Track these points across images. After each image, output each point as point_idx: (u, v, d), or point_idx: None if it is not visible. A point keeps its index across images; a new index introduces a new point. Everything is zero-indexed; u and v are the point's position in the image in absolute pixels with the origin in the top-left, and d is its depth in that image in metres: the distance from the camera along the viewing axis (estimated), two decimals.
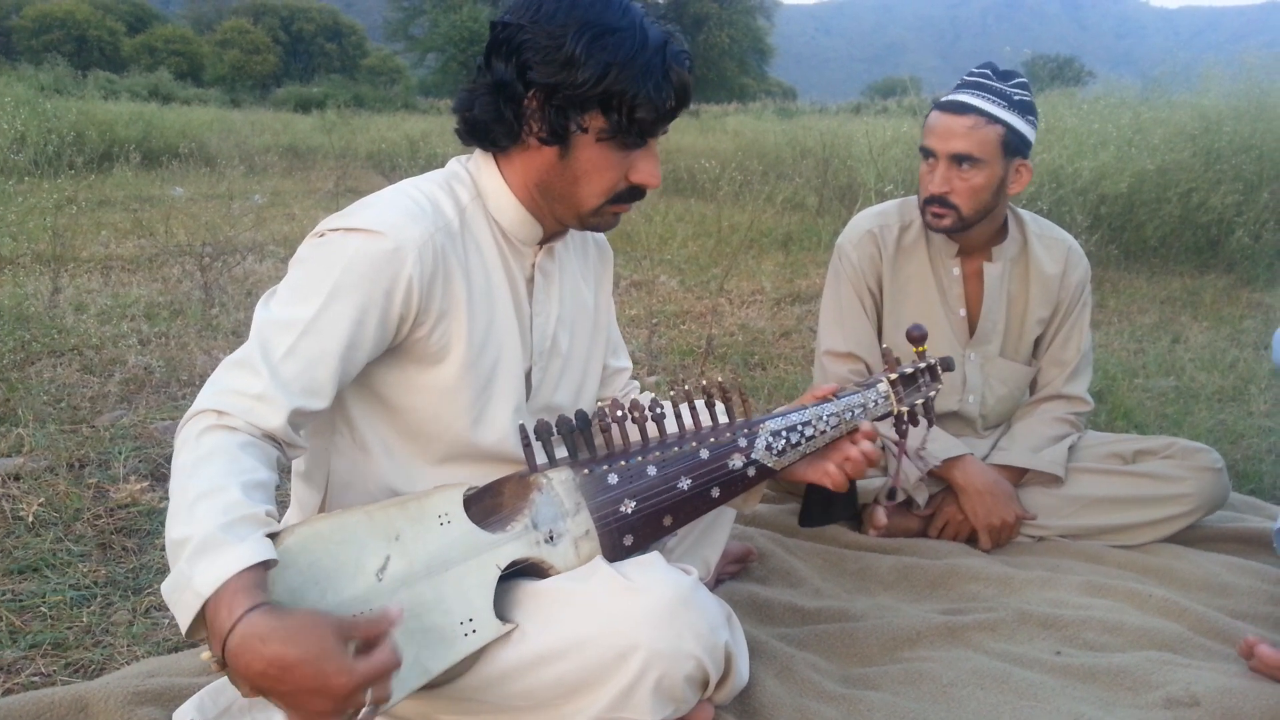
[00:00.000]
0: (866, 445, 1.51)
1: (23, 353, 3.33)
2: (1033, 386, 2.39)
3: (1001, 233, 2.25)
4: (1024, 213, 2.34)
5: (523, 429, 1.36)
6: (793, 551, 2.13)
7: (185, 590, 1.02)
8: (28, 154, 7.91)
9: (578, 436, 1.38)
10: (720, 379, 1.49)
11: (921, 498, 2.24)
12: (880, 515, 2.22)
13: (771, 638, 1.75)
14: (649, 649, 1.22)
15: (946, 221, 2.13)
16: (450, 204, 1.36)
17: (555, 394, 1.51)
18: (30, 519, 2.10)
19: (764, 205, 7.67)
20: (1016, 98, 2.08)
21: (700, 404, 1.49)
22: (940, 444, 2.21)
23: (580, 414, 1.39)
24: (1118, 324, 4.67)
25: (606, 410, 1.40)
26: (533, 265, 1.45)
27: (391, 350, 1.32)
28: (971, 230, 2.17)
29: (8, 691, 1.53)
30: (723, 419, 1.50)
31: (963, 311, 2.29)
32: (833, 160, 7.65)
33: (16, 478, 2.31)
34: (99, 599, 1.84)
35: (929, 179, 2.12)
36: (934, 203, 2.12)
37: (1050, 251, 2.30)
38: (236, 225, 6.22)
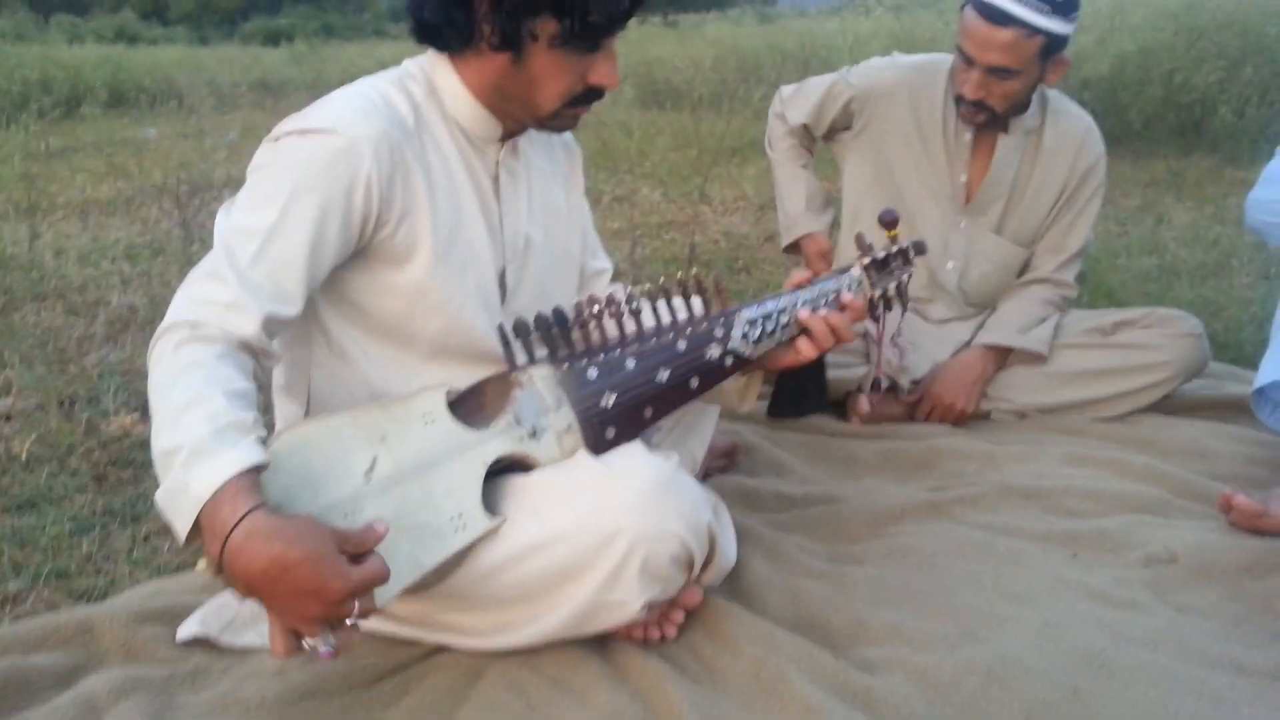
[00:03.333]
0: (832, 315, 1.51)
1: (4, 298, 3.32)
2: (1022, 269, 2.38)
3: (1022, 107, 2.20)
4: (1050, 90, 2.28)
5: (501, 328, 1.38)
6: (778, 444, 2.16)
7: (182, 496, 1.04)
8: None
9: (556, 333, 1.39)
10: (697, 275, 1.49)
11: (905, 381, 2.26)
12: (864, 403, 2.24)
13: (759, 524, 1.78)
14: (633, 531, 1.25)
15: (980, 119, 2.14)
16: (404, 101, 1.35)
17: (534, 295, 1.51)
18: (24, 457, 2.12)
19: (744, 112, 7.56)
20: (1061, 0, 1.99)
21: (678, 298, 1.49)
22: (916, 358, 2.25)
23: (558, 311, 1.40)
24: (1101, 208, 4.64)
25: (583, 306, 1.41)
26: (496, 163, 1.44)
27: (358, 254, 1.33)
28: None
29: (15, 621, 1.56)
30: (699, 311, 1.51)
31: (964, 178, 2.27)
32: (812, 61, 7.52)
33: (8, 418, 2.32)
34: (98, 529, 1.87)
35: (964, 79, 2.09)
36: (968, 104, 2.10)
37: (1064, 131, 2.26)
38: (210, 161, 6.14)
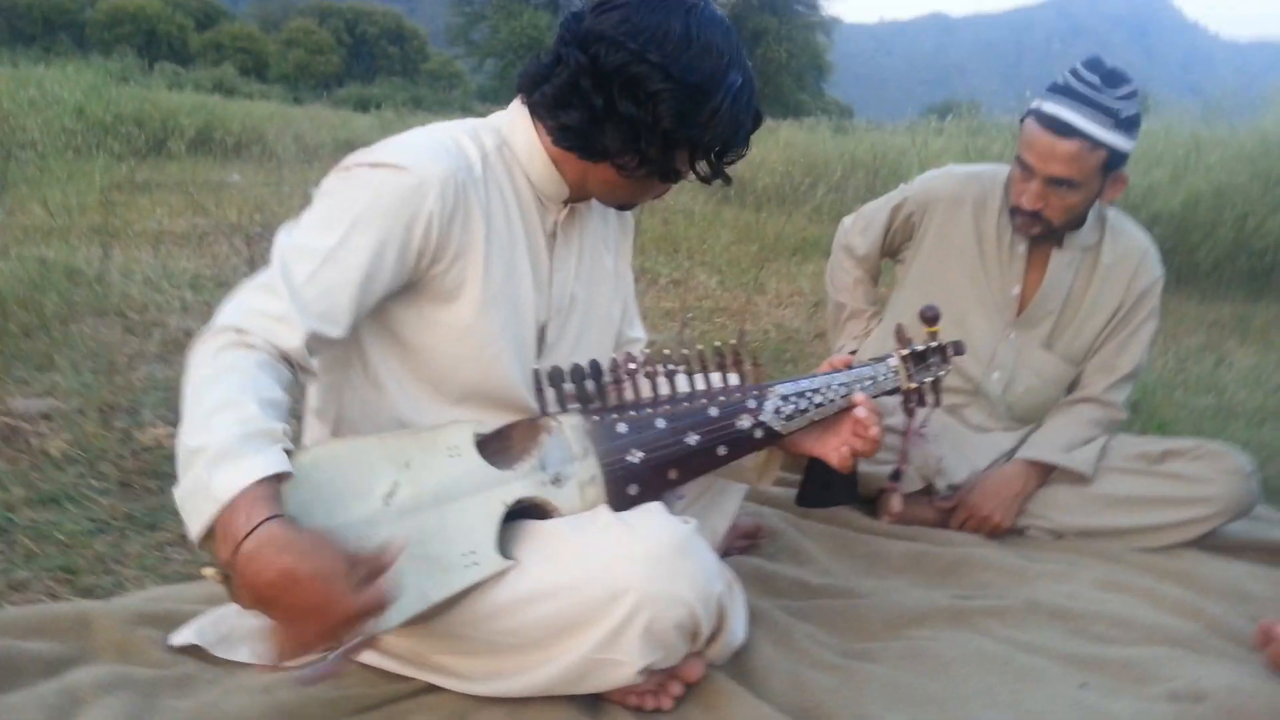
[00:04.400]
0: (862, 412, 1.49)
1: (68, 310, 3.41)
2: (1071, 387, 2.33)
3: (1078, 222, 2.18)
4: (1109, 208, 2.26)
5: (536, 373, 1.38)
6: (804, 532, 2.12)
7: (202, 496, 1.03)
8: (88, 133, 8.10)
9: (590, 385, 1.39)
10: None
11: (941, 484, 2.21)
12: (895, 502, 2.18)
13: (774, 608, 1.74)
14: (641, 591, 1.22)
15: (1035, 231, 2.12)
16: (475, 148, 1.38)
17: (572, 352, 1.51)
18: (56, 455, 2.15)
19: (811, 214, 7.65)
20: (1124, 115, 1.98)
21: (713, 368, 1.49)
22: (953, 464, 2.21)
23: (594, 363, 1.40)
24: (1162, 344, 4.57)
25: (620, 363, 1.42)
26: (555, 222, 1.46)
27: (408, 287, 1.34)
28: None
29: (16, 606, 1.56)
30: (734, 381, 1.50)
31: (1016, 290, 2.24)
32: (881, 169, 7.61)
33: (47, 417, 2.36)
34: (114, 531, 1.88)
35: (1022, 189, 2.07)
36: (1025, 214, 2.09)
37: (1122, 251, 2.23)
38: (285, 206, 6.32)
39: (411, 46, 60.84)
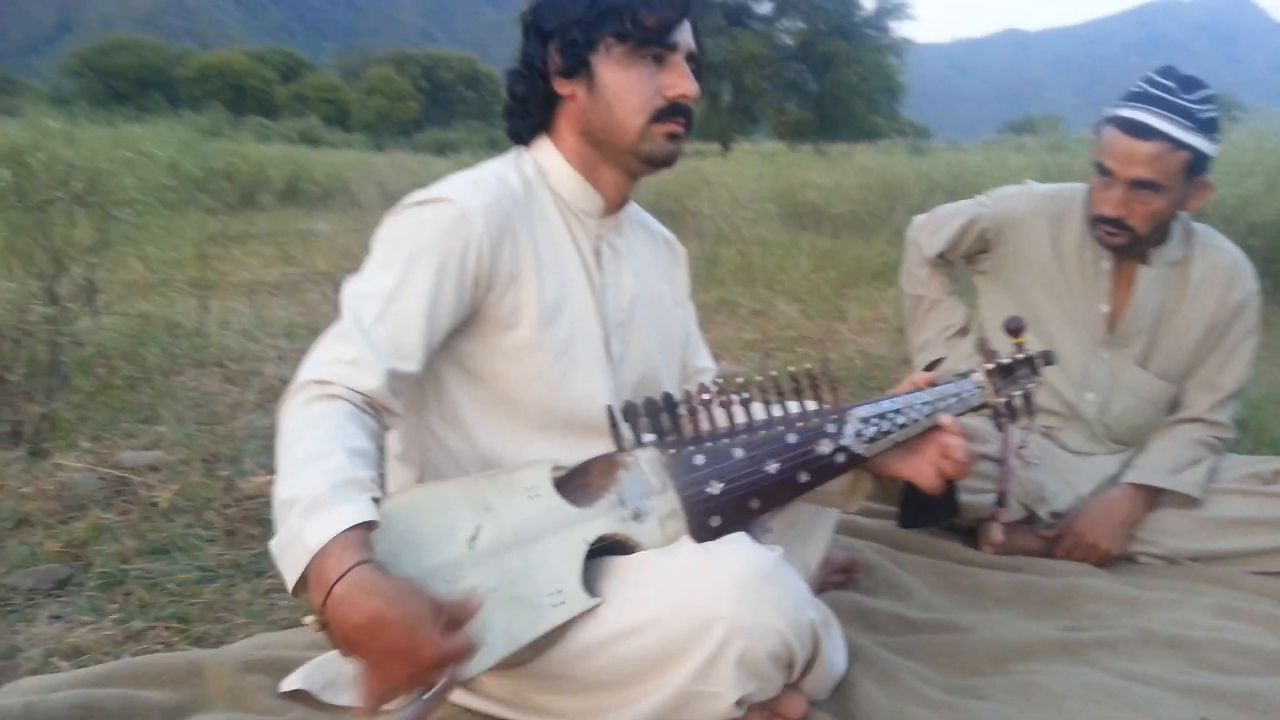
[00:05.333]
0: (953, 439, 1.45)
1: (170, 362, 3.55)
2: (1173, 408, 2.26)
3: (1162, 235, 2.13)
4: (1196, 223, 2.20)
5: (610, 410, 1.38)
6: (901, 565, 2.07)
7: (295, 546, 1.06)
8: (182, 188, 8.42)
9: (665, 417, 1.38)
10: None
11: (1044, 512, 2.15)
12: (995, 531, 2.11)
13: (873, 644, 1.70)
14: (730, 621, 1.21)
15: (1119, 240, 2.06)
16: (515, 177, 1.45)
17: (640, 367, 1.53)
18: (165, 505, 2.23)
19: (885, 233, 7.56)
20: (1203, 115, 1.94)
21: (790, 394, 1.47)
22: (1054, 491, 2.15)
23: (667, 395, 1.40)
24: (1268, 358, 4.39)
25: (693, 394, 1.41)
26: (599, 236, 1.50)
27: (471, 319, 1.38)
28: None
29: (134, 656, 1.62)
30: (812, 406, 1.48)
31: (1105, 308, 2.18)
32: (960, 189, 7.50)
33: (154, 469, 2.45)
34: (222, 580, 1.93)
35: (1104, 197, 2.03)
36: (1108, 223, 2.04)
37: (1213, 264, 2.16)
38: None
39: (487, 90, 62.26)
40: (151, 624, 1.74)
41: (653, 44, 1.38)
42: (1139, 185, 1.97)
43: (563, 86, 1.42)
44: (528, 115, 1.47)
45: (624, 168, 1.46)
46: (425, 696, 1.05)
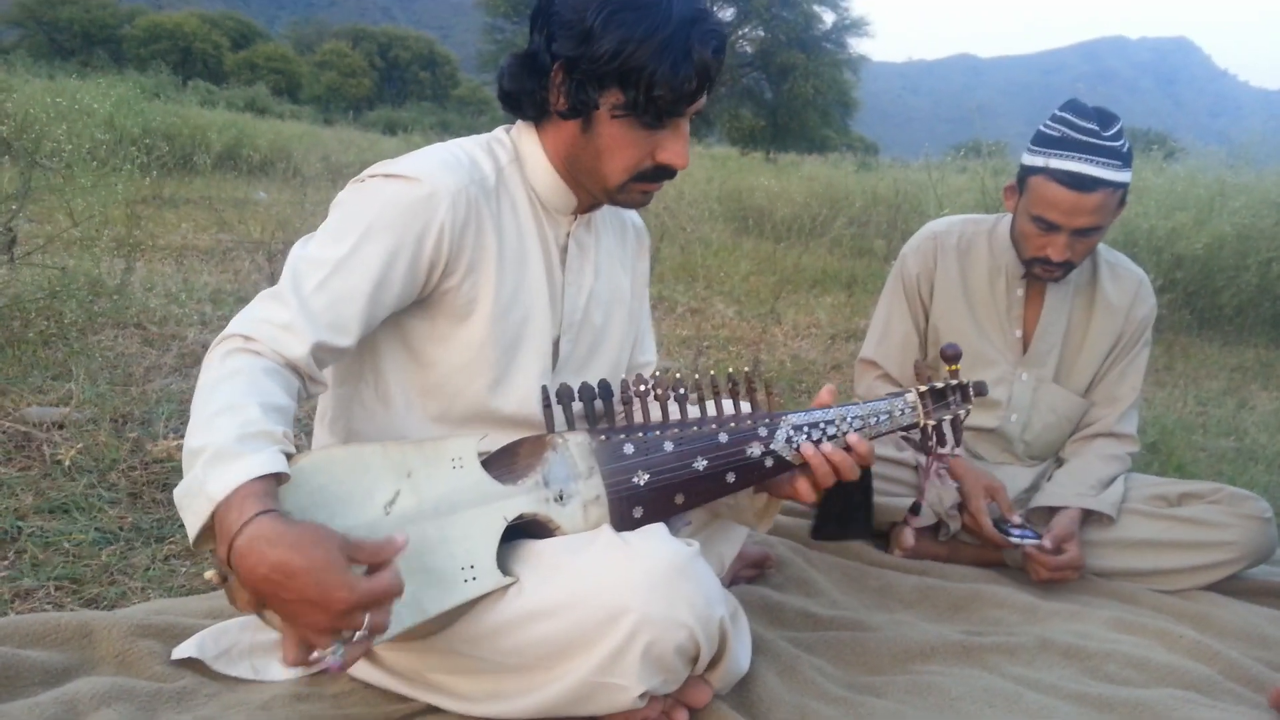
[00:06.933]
0: (830, 448, 1.43)
1: (88, 320, 3.44)
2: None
3: None
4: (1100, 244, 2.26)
5: (545, 390, 1.37)
6: (812, 563, 2.10)
7: (198, 495, 1.04)
8: (117, 145, 8.19)
9: (599, 405, 1.38)
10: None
11: (955, 525, 2.19)
12: (907, 536, 2.15)
13: (779, 639, 1.71)
14: (640, 613, 1.20)
15: (1058, 275, 2.12)
16: (489, 163, 1.40)
17: (584, 369, 1.51)
18: (67, 464, 2.15)
19: (830, 246, 7.64)
20: (1125, 150, 2.00)
21: (725, 393, 1.48)
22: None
23: (603, 383, 1.39)
24: (1183, 386, 4.53)
25: (629, 384, 1.41)
26: (567, 235, 1.46)
27: (422, 301, 1.35)
28: None
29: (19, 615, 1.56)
30: (746, 408, 1.48)
31: (1019, 332, 2.24)
32: (903, 205, 7.61)
33: (60, 426, 2.37)
34: (121, 542, 1.88)
35: (1045, 243, 2.05)
36: (1054, 266, 2.07)
37: (1119, 283, 2.25)
38: (309, 223, 6.38)
39: (443, 73, 61.61)
40: (42, 583, 1.68)
41: (657, 114, 1.31)
42: (1085, 232, 2.02)
43: (559, 114, 1.35)
44: (519, 110, 1.41)
45: (594, 195, 1.43)
46: (350, 642, 1.02)
